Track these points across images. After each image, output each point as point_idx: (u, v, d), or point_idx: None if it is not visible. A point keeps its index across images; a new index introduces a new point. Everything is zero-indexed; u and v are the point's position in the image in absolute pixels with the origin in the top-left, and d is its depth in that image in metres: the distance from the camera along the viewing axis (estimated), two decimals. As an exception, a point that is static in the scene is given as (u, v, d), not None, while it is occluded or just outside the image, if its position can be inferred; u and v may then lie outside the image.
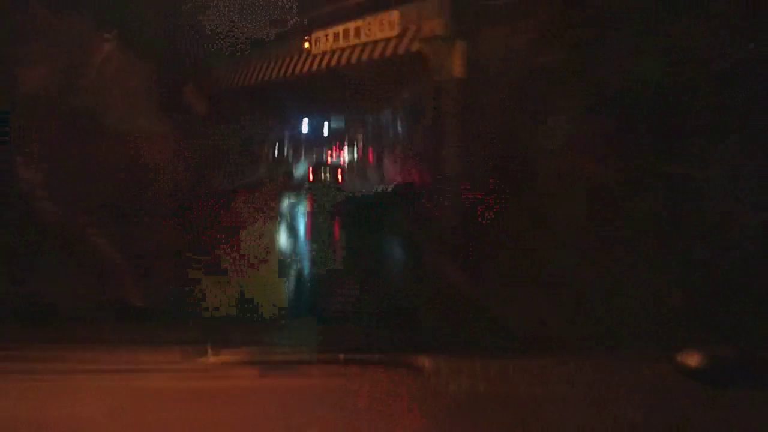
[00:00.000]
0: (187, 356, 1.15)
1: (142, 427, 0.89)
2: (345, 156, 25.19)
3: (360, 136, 23.38)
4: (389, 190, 17.66)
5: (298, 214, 16.89)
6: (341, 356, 1.15)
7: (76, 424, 0.89)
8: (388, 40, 11.75)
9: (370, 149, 22.97)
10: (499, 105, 6.03)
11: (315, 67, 13.60)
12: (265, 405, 0.97)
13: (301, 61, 13.80)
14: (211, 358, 1.12)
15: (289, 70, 14.15)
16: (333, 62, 13.13)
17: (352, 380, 1.09)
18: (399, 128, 18.05)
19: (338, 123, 23.70)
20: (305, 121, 23.54)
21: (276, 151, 23.09)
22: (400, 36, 11.45)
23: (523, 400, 1.02)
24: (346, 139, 24.90)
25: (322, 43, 13.24)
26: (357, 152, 24.32)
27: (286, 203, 17.74)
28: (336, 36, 12.93)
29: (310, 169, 22.74)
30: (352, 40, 12.61)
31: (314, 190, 20.48)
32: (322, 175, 22.26)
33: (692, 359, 1.10)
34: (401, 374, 1.10)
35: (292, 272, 8.66)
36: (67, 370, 1.05)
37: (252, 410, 0.95)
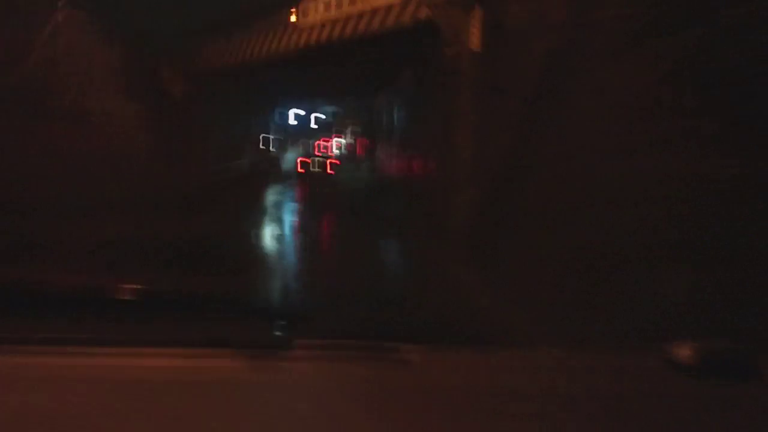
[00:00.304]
0: (178, 349, 1.13)
1: (136, 420, 0.88)
2: (337, 145, 24.33)
3: (355, 123, 22.46)
4: (386, 180, 17.43)
5: (289, 205, 16.74)
6: (324, 345, 1.14)
7: (65, 416, 0.88)
8: (389, 6, 10.05)
9: (365, 137, 22.14)
10: (524, 87, 5.47)
11: (304, 42, 11.91)
12: (248, 399, 0.96)
13: (288, 36, 12.18)
14: (203, 351, 1.10)
15: (276, 47, 12.37)
16: (324, 36, 11.44)
17: (337, 371, 1.08)
18: (400, 113, 17.00)
19: (330, 108, 22.84)
20: (294, 105, 22.46)
21: (263, 140, 22.05)
22: (405, 1, 9.74)
23: (507, 393, 1.01)
24: (340, 126, 24.01)
25: (312, 13, 11.62)
26: (351, 140, 23.50)
27: (276, 194, 17.53)
28: (328, 5, 11.23)
29: (299, 159, 21.95)
30: (347, 8, 10.88)
31: (305, 181, 20.11)
32: (314, 165, 21.60)
33: (683, 352, 1.09)
34: (389, 366, 1.09)
35: (284, 263, 8.63)
36: (59, 364, 1.04)
37: (233, 404, 0.94)
